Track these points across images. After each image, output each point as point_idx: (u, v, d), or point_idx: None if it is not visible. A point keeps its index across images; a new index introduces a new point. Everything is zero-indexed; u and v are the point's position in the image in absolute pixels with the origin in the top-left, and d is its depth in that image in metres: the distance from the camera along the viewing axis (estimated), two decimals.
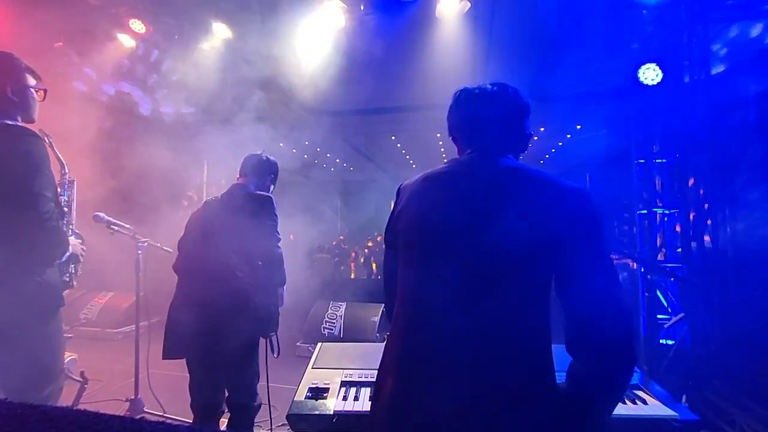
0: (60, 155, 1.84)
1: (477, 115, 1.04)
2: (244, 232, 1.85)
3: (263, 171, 2.13)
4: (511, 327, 0.83)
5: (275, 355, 1.99)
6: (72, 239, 1.80)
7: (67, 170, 1.91)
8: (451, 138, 1.13)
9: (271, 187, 2.19)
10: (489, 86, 1.05)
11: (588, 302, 0.83)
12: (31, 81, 1.57)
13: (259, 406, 1.98)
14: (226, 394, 1.95)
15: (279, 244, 1.95)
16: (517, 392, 0.81)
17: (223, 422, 2.11)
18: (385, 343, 1.02)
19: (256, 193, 2.00)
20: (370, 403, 1.06)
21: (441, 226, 0.92)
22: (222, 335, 1.79)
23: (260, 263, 1.89)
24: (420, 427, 0.83)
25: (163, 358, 1.85)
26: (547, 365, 0.86)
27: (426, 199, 0.98)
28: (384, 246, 1.15)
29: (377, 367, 1.59)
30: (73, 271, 1.79)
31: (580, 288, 0.84)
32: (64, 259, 1.64)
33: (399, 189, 1.10)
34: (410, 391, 0.86)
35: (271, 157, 2.17)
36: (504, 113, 1.02)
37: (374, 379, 1.51)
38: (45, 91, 1.62)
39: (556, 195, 0.87)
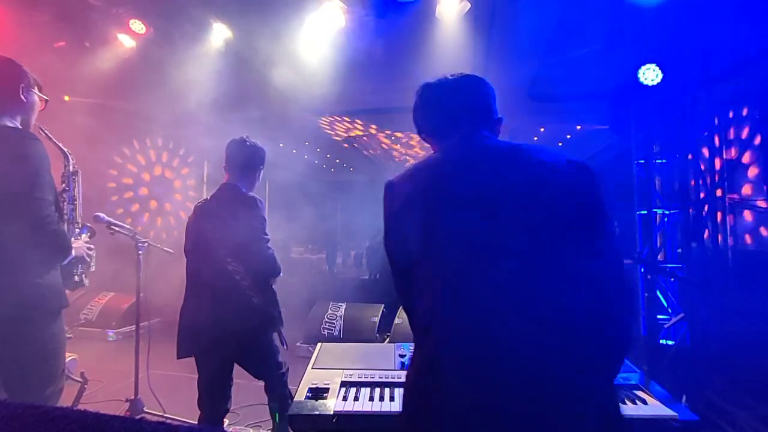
0: (61, 145, 1.80)
1: (450, 104, 1.04)
2: (236, 237, 1.87)
3: (249, 162, 2.04)
4: (569, 313, 0.79)
5: (285, 348, 2.07)
6: (83, 238, 1.81)
7: (71, 160, 1.84)
8: (422, 136, 1.12)
9: (261, 173, 2.11)
10: (451, 77, 1.06)
11: (593, 278, 0.81)
12: (37, 90, 1.61)
13: (287, 369, 2.08)
14: (231, 396, 2.03)
15: (269, 244, 1.96)
16: (579, 388, 0.76)
17: (225, 421, 2.14)
18: (415, 340, 0.92)
19: (243, 195, 1.98)
20: (397, 404, 0.98)
21: (474, 214, 0.86)
22: (230, 336, 1.84)
23: (255, 265, 1.92)
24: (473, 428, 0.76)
25: (177, 358, 1.91)
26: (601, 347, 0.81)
27: (443, 189, 0.91)
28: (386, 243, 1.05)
29: (377, 367, 1.61)
30: (83, 271, 1.79)
31: (587, 263, 0.82)
32: (66, 262, 1.64)
33: (391, 186, 1.00)
34: (462, 394, 0.78)
35: (255, 142, 2.07)
36: (476, 100, 1.04)
37: (374, 379, 1.52)
38: (47, 101, 1.66)
39: (567, 170, 0.88)
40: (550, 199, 0.84)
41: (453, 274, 0.86)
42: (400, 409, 0.92)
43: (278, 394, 2.02)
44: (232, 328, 1.83)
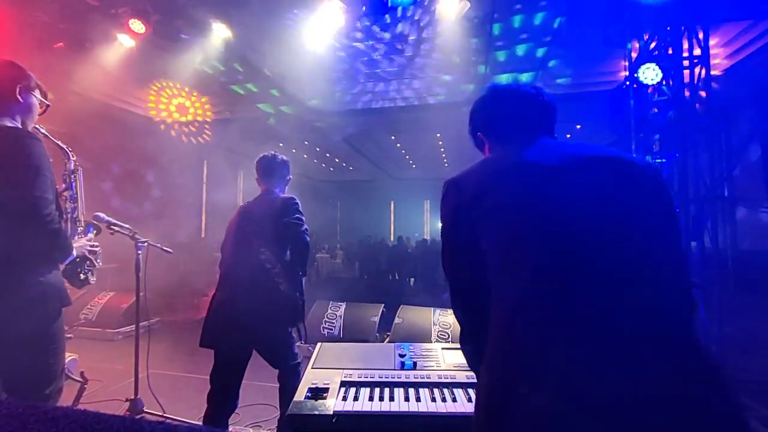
0: (60, 143, 1.78)
1: (524, 109, 1.06)
2: (275, 229, 2.06)
3: (281, 172, 2.32)
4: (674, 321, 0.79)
5: (303, 341, 2.17)
6: (89, 236, 1.81)
7: (71, 157, 1.82)
8: (477, 134, 1.12)
9: (289, 179, 2.38)
10: (522, 85, 1.09)
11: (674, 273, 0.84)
12: (38, 93, 1.61)
13: (300, 361, 2.12)
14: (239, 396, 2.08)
15: (307, 233, 2.13)
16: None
17: (229, 424, 2.16)
18: (495, 344, 0.85)
19: (281, 196, 2.24)
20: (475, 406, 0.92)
21: (573, 222, 0.85)
22: (256, 320, 1.93)
23: (288, 256, 2.09)
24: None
25: (200, 345, 1.99)
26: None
27: (531, 193, 0.89)
28: (451, 249, 0.98)
29: (377, 367, 1.60)
30: (89, 269, 1.80)
31: (668, 256, 0.85)
32: (67, 261, 1.63)
33: (455, 184, 0.97)
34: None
35: (283, 156, 2.36)
36: (546, 110, 1.07)
37: (374, 379, 1.52)
38: (48, 106, 1.66)
39: (649, 170, 0.92)
40: (639, 197, 0.88)
41: (550, 270, 0.83)
42: (477, 410, 0.85)
43: (290, 385, 2.05)
44: (258, 311, 1.92)
